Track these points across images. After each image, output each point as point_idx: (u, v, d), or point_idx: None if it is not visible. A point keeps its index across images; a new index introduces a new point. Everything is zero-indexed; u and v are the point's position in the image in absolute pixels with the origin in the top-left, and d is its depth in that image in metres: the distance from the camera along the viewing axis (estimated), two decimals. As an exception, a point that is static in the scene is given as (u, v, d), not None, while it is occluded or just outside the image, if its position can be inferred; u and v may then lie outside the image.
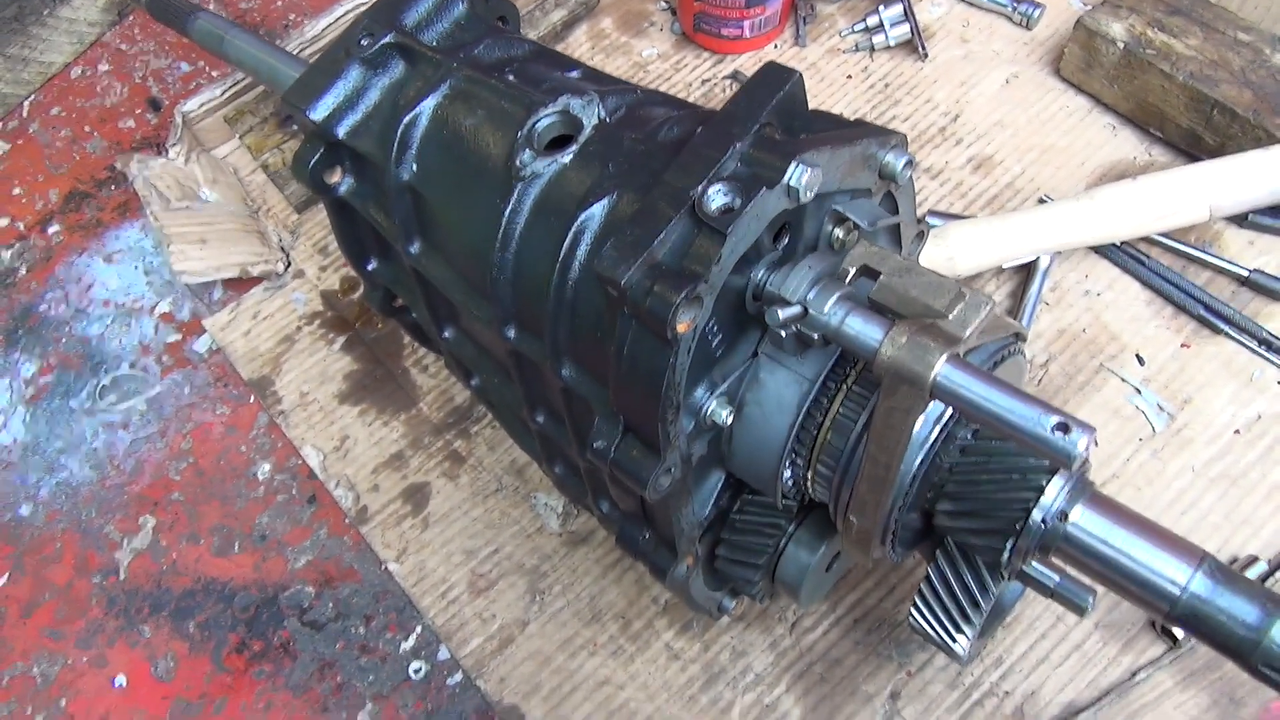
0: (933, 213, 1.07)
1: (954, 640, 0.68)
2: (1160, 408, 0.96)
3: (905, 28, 1.20)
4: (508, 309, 0.65)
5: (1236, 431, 0.94)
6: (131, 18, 1.44)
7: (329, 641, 0.97)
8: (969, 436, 0.61)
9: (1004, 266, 1.02)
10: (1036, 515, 0.58)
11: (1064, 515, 0.59)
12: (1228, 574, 0.56)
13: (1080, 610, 0.71)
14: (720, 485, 0.70)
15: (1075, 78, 1.14)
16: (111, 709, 0.95)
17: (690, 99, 1.23)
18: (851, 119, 0.65)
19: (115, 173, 1.28)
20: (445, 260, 0.71)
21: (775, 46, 1.25)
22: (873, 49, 1.21)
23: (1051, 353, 1.01)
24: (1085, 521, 0.58)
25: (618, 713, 0.89)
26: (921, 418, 0.59)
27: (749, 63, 1.24)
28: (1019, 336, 0.64)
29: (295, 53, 1.10)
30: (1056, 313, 1.03)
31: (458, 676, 0.93)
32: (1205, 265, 1.02)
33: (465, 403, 1.06)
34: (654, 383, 0.56)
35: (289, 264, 1.17)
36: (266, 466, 1.06)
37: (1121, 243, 1.03)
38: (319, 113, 0.72)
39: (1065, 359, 1.00)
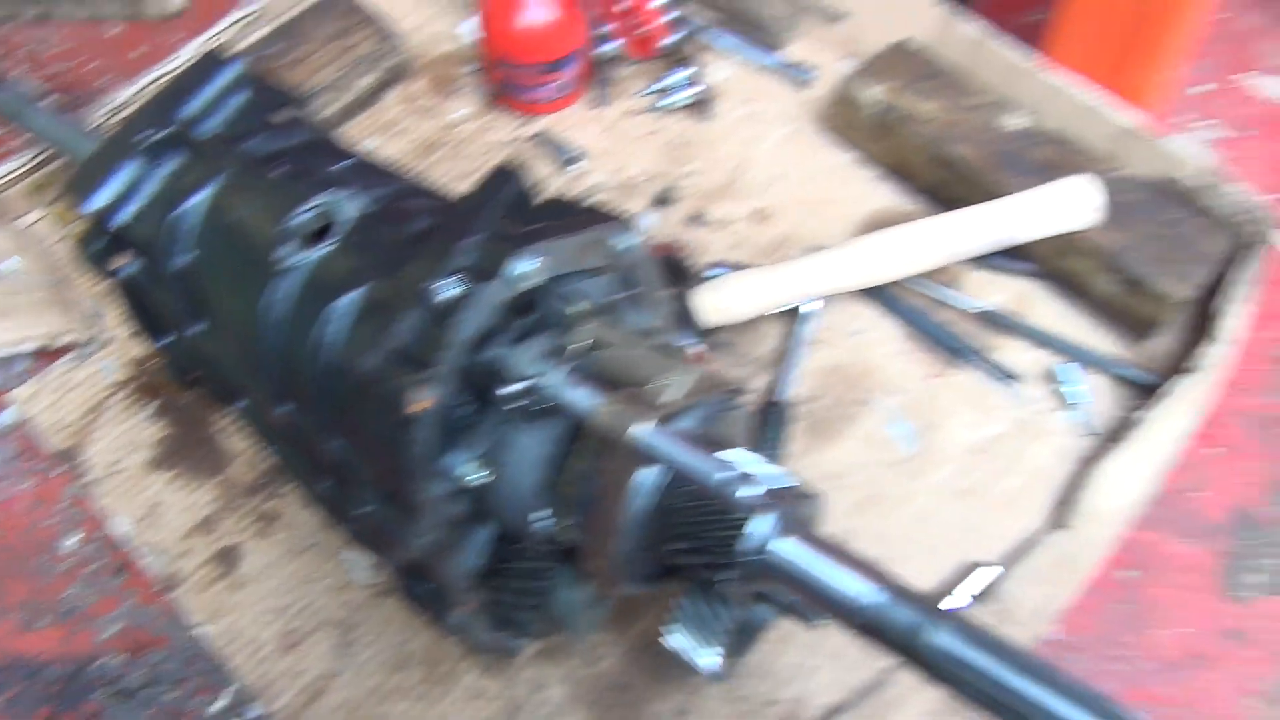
0: (715, 263, 1.17)
1: (702, 659, 0.76)
2: (910, 434, 1.08)
3: (694, 90, 1.30)
4: (278, 389, 0.70)
5: (974, 452, 1.07)
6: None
7: (138, 710, 0.98)
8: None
9: (776, 312, 1.12)
10: (740, 549, 0.67)
11: (768, 548, 0.67)
12: (899, 592, 0.66)
13: (808, 622, 0.80)
14: (490, 538, 0.77)
15: (843, 135, 1.26)
16: (-88, 795, 0.94)
17: (499, 158, 1.30)
18: (583, 206, 0.73)
19: (-89, 244, 1.26)
20: (225, 341, 0.76)
21: (578, 108, 1.33)
22: (664, 111, 1.31)
23: (821, 389, 1.11)
24: (785, 551, 0.67)
25: (425, 753, 0.94)
26: (650, 470, 0.67)
27: (554, 123, 1.31)
28: (735, 392, 0.73)
29: (103, 119, 1.12)
30: (825, 351, 1.14)
31: (270, 732, 0.97)
32: (948, 305, 1.14)
33: (276, 463, 1.09)
34: (399, 458, 0.62)
35: (98, 332, 1.17)
36: (75, 539, 1.07)
37: (883, 286, 1.14)
38: (95, 204, 0.76)
39: (832, 394, 1.11)
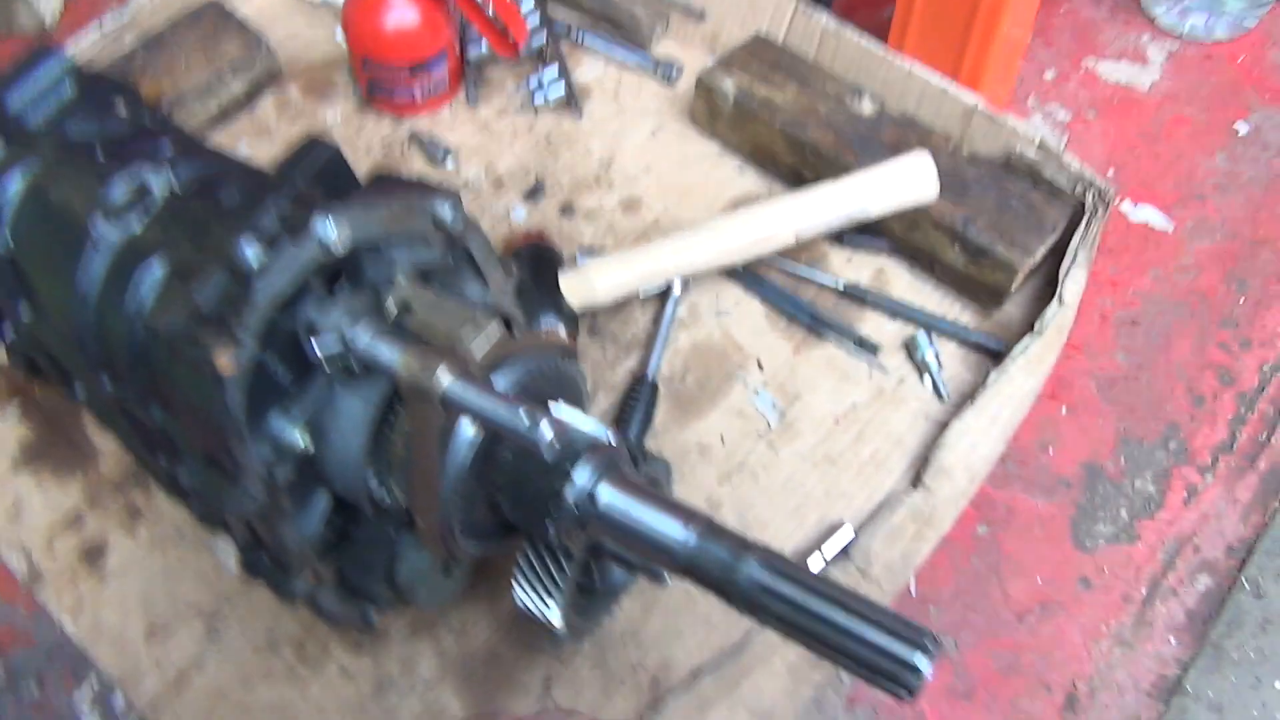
0: (582, 249, 1.20)
1: (548, 612, 0.78)
2: (774, 405, 1.11)
3: (562, 88, 1.33)
4: (99, 363, 0.71)
5: (836, 420, 1.10)
6: None
7: (1, 704, 0.97)
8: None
9: (641, 295, 1.15)
10: (568, 496, 0.69)
11: (591, 496, 0.69)
12: (715, 530, 0.68)
13: (660, 580, 0.82)
14: (326, 506, 0.78)
15: (705, 126, 1.30)
16: None
17: (372, 157, 1.32)
18: (412, 179, 0.76)
19: None
20: (52, 325, 0.76)
21: (451, 107, 1.35)
22: (536, 107, 1.34)
23: (688, 366, 1.14)
24: (608, 499, 0.69)
25: (292, 735, 0.94)
26: (469, 425, 0.69)
27: (427, 123, 1.34)
28: (565, 352, 0.76)
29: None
30: (692, 331, 1.17)
31: (133, 722, 0.96)
32: (811, 282, 1.18)
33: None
34: (210, 419, 0.63)
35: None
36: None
37: (744, 267, 1.18)
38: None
39: (699, 370, 1.14)
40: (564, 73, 1.33)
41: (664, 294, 1.16)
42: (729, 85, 1.23)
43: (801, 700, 0.94)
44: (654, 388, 1.10)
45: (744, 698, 0.94)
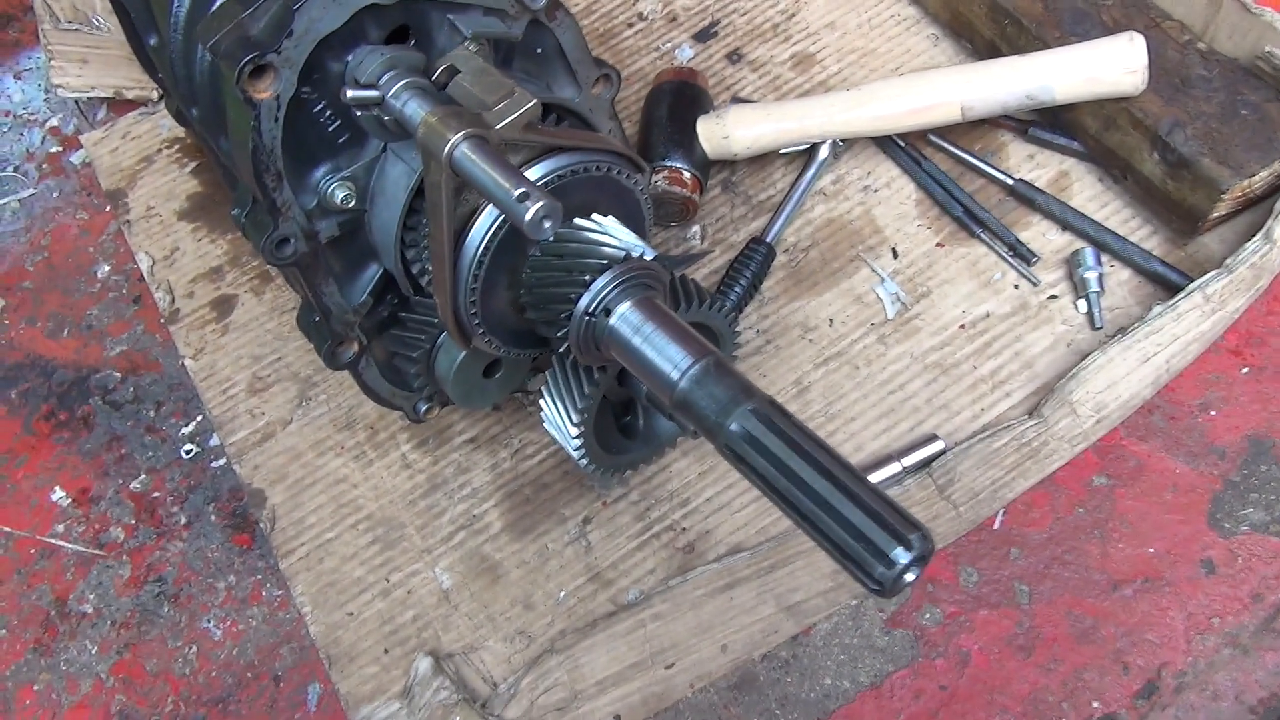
0: (735, 99, 1.12)
1: (567, 431, 0.76)
2: (898, 298, 1.00)
3: (764, -74, 1.22)
4: (186, 89, 0.74)
5: (961, 326, 0.98)
6: None
7: (123, 420, 1.08)
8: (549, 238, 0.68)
9: (786, 154, 1.07)
10: (581, 306, 0.65)
11: (608, 311, 0.65)
12: (721, 369, 0.62)
13: (688, 431, 0.77)
14: (377, 277, 0.78)
15: (908, -14, 1.16)
16: (-70, 455, 1.08)
17: (629, 35, 1.28)
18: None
19: (37, -1, 1.40)
20: (166, 53, 0.79)
21: (648, -64, 1.28)
22: (732, -56, 1.25)
23: (816, 239, 1.05)
24: (624, 317, 0.65)
25: (346, 506, 0.99)
26: (488, 209, 0.66)
27: (618, -51, 1.28)
28: (627, 164, 0.70)
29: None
30: (833, 203, 1.07)
31: (221, 461, 1.04)
32: (979, 172, 1.05)
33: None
34: (249, 148, 0.64)
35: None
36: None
37: (907, 144, 1.06)
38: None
39: (827, 246, 1.05)
40: (766, -91, 1.22)
41: (809, 155, 1.07)
42: (938, -63, 1.08)
43: (837, 606, 0.88)
44: (770, 251, 1.02)
45: (775, 587, 0.88)
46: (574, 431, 0.75)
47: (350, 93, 0.63)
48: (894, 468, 0.90)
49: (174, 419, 1.08)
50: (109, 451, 1.06)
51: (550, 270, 0.67)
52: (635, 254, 0.66)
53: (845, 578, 0.88)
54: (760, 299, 1.03)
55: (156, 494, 1.03)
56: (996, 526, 0.90)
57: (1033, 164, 1.05)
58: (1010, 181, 1.02)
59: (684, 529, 0.93)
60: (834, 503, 0.55)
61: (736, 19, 1.20)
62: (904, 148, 1.06)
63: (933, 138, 1.05)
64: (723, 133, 1.03)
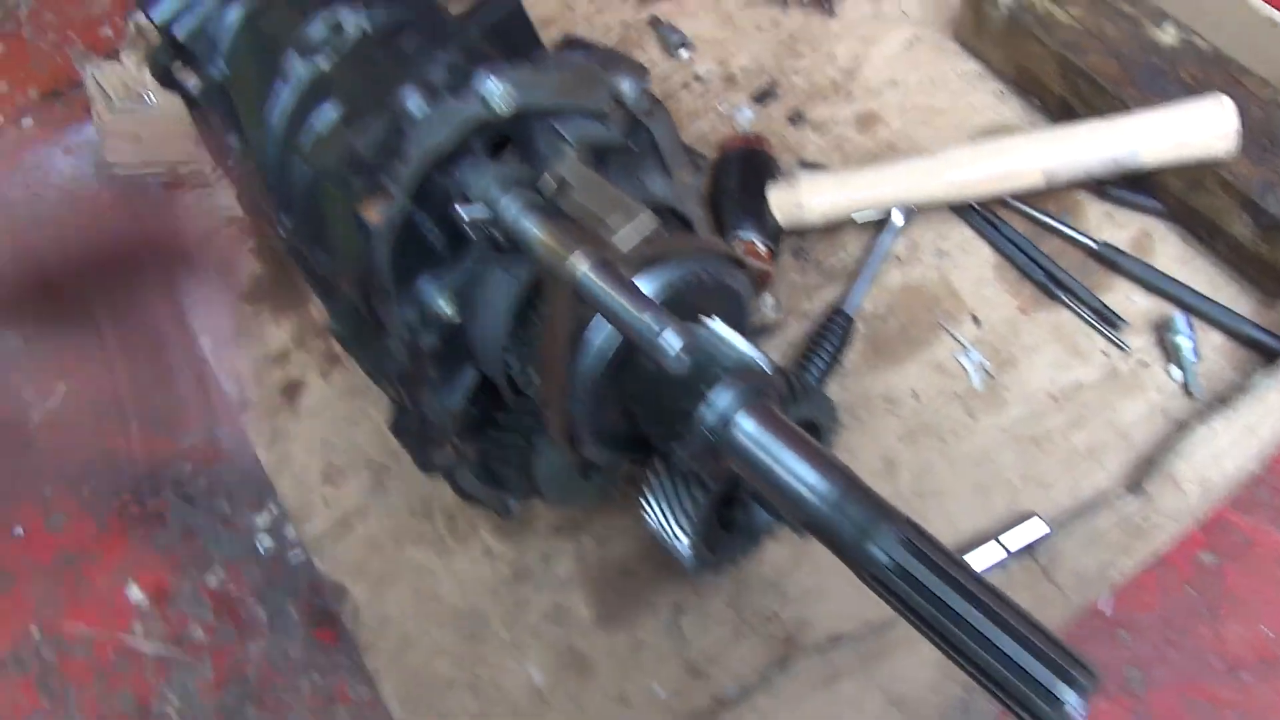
0: (803, 163, 1.10)
1: (676, 539, 0.74)
2: (982, 367, 0.98)
3: (819, -17, 1.22)
4: (280, 199, 0.73)
5: (1051, 396, 0.96)
6: None
7: (197, 513, 1.07)
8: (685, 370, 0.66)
9: (859, 221, 1.05)
10: (699, 420, 0.63)
11: (725, 423, 0.63)
12: (855, 487, 0.60)
13: (800, 531, 0.75)
14: (475, 383, 0.77)
15: (970, 42, 1.15)
16: (5, 554, 1.07)
17: (610, 40, 1.28)
18: (603, 46, 0.70)
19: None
20: (252, 157, 0.79)
21: (699, -5, 1.28)
22: (786, 3, 1.24)
23: (893, 307, 1.04)
24: (742, 429, 0.63)
25: (430, 599, 0.97)
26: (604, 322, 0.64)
27: (670, 9, 1.27)
28: (731, 262, 0.69)
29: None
30: (907, 269, 1.05)
31: (298, 553, 1.02)
32: (1057, 234, 1.03)
33: (349, 311, 1.14)
34: (358, 269, 0.63)
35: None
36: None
37: (980, 206, 1.04)
38: (160, 14, 0.80)
39: (905, 313, 1.03)
40: (821, -32, 1.21)
41: (881, 222, 1.05)
42: (1006, -6, 1.07)
43: (947, 698, 0.85)
44: (850, 323, 1.00)
45: (880, 679, 0.86)
46: (685, 540, 0.73)
47: (464, 212, 0.62)
48: (995, 550, 0.88)
49: (249, 511, 1.06)
50: (184, 546, 1.05)
51: (664, 381, 0.65)
52: (754, 363, 0.64)
53: (955, 670, 0.85)
54: (840, 371, 1.01)
55: (234, 590, 1.02)
56: (1104, 610, 0.88)
57: (1112, 224, 1.03)
58: (1094, 245, 1.00)
59: (781, 617, 0.91)
60: (993, 638, 0.53)
61: (796, 79, 1.19)
62: (978, 210, 1.05)
63: (1008, 199, 1.03)
64: (796, 201, 1.02)
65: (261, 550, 1.03)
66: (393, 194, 0.60)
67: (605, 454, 0.71)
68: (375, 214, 0.60)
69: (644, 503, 0.74)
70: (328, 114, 0.65)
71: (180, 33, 0.80)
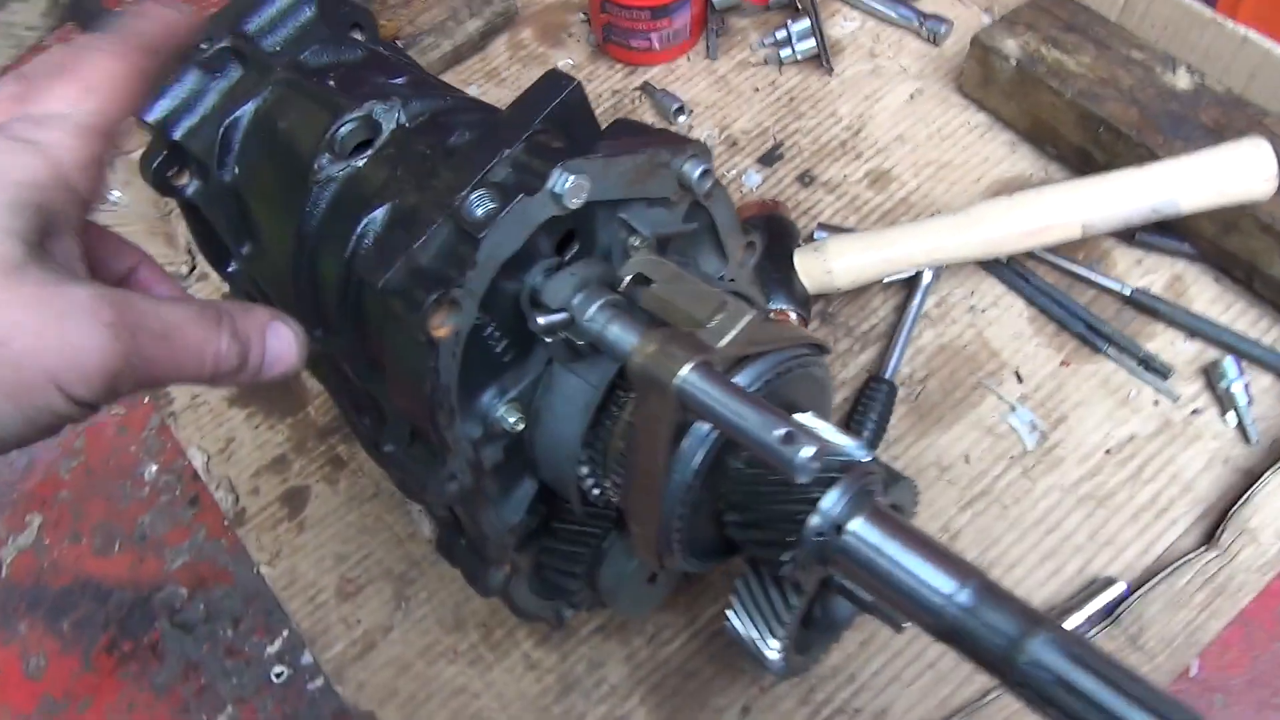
0: (821, 225, 1.07)
1: (766, 648, 0.68)
2: (1034, 426, 0.95)
3: (812, 42, 1.19)
4: (312, 311, 0.66)
5: (1108, 451, 0.93)
6: (70, 24, 1.46)
7: (197, 643, 0.97)
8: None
9: (885, 281, 1.02)
10: (811, 526, 0.58)
11: (839, 528, 0.58)
12: (993, 592, 0.55)
13: (896, 625, 0.70)
14: (533, 494, 0.70)
15: (976, 94, 1.13)
16: (-21, 705, 0.96)
17: (601, 109, 1.24)
18: (656, 128, 0.66)
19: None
20: (269, 263, 0.72)
21: (688, 59, 1.25)
22: (781, 63, 1.21)
23: (931, 368, 1.00)
24: (860, 534, 0.58)
25: (471, 720, 0.89)
26: (702, 426, 0.59)
27: (660, 75, 1.24)
28: (819, 348, 0.64)
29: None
30: (940, 328, 1.02)
31: (319, 681, 0.93)
32: (1090, 284, 1.01)
33: (351, 408, 1.06)
34: (420, 389, 0.56)
35: (194, 266, 1.18)
36: (154, 467, 1.07)
37: (1008, 259, 1.02)
38: (154, 114, 0.73)
39: (944, 374, 0.99)
40: (816, 25, 1.19)
41: (910, 281, 1.02)
42: (1012, 46, 1.05)
43: (1042, 781, 0.80)
44: (892, 389, 0.96)
45: (974, 768, 0.80)
46: (776, 645, 0.67)
47: (541, 320, 0.56)
48: (1080, 621, 0.84)
49: (256, 636, 0.97)
50: (186, 683, 0.95)
51: (764, 485, 0.60)
52: (858, 458, 0.59)
53: (1049, 751, 0.80)
54: (886, 440, 0.96)
55: (249, 728, 0.92)
56: (1194, 673, 0.84)
57: (1142, 269, 1.02)
58: (1127, 292, 0.98)
59: (856, 709, 0.85)
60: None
61: (800, 139, 1.16)
62: (1006, 264, 1.02)
63: (1037, 251, 1.01)
64: (824, 267, 0.98)
65: (275, 680, 0.94)
66: (463, 306, 0.54)
67: (692, 562, 0.65)
68: (444, 329, 0.53)
69: (731, 613, 0.68)
70: (375, 219, 0.59)
71: (178, 133, 0.73)
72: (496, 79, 1.27)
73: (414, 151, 0.62)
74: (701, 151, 0.64)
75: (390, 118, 0.64)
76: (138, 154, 1.25)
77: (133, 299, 0.44)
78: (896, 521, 0.58)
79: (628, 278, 0.58)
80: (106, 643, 0.98)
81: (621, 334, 0.55)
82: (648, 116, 1.21)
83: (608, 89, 1.25)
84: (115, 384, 0.42)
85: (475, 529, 0.67)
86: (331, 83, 0.69)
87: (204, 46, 0.72)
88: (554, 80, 0.59)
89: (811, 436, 0.49)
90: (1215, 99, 0.99)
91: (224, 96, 0.72)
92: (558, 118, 0.59)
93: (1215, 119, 0.97)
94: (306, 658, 0.94)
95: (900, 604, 0.57)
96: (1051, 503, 0.92)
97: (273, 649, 0.95)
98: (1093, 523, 0.90)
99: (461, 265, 0.54)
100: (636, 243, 0.63)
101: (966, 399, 0.98)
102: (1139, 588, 0.85)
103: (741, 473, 0.61)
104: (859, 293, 1.04)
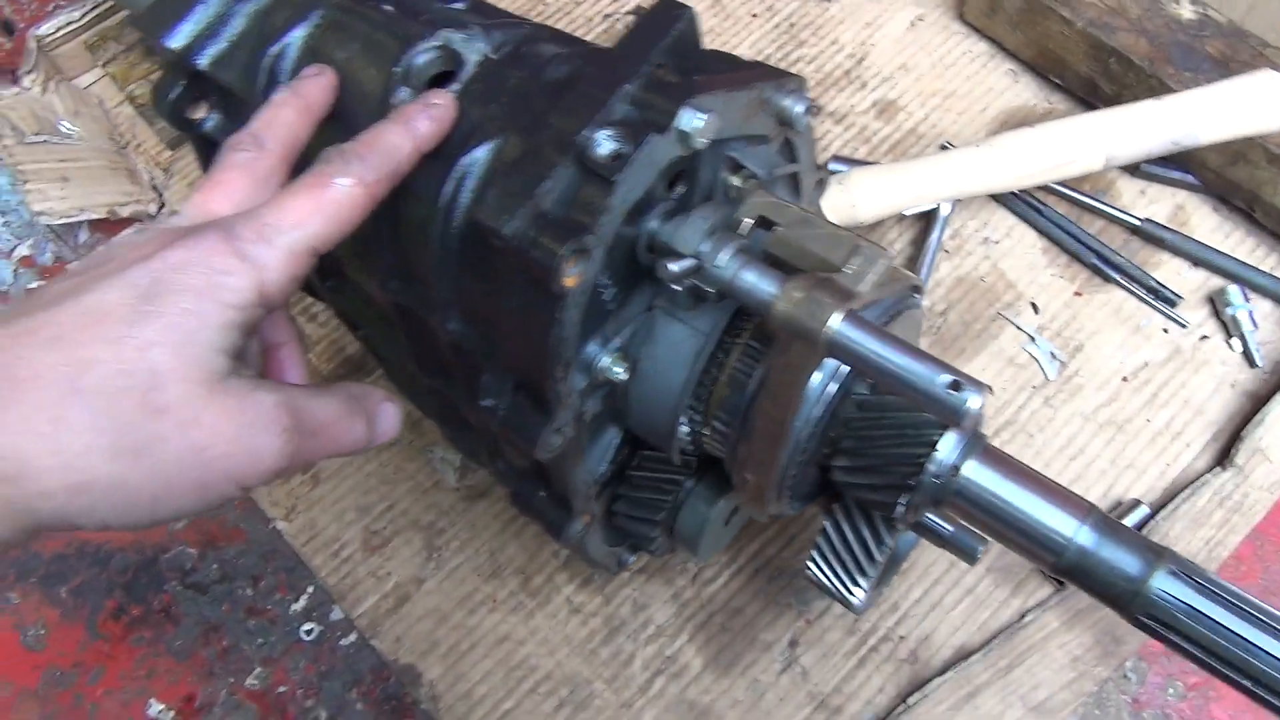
0: (836, 158, 1.06)
1: (851, 592, 0.68)
2: (1053, 355, 0.97)
3: (812, -34, 1.16)
4: (388, 260, 0.61)
5: (1124, 379, 0.96)
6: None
7: (214, 604, 0.92)
8: (865, 392, 0.60)
9: (905, 214, 1.02)
10: (930, 470, 0.58)
11: (956, 470, 0.58)
12: (1112, 526, 0.57)
13: (971, 558, 0.71)
14: (617, 442, 0.68)
15: (979, 22, 1.13)
16: (-23, 682, 0.89)
17: (590, 36, 1.19)
18: (749, 59, 0.63)
19: (-35, 103, 1.17)
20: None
21: (681, -18, 1.20)
22: (779, -13, 1.18)
23: (950, 301, 1.01)
24: (976, 476, 0.58)
25: (518, 668, 0.88)
26: (818, 373, 0.58)
27: (653, -2, 1.19)
28: (916, 289, 0.63)
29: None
30: (955, 260, 1.03)
31: (352, 637, 0.90)
32: (1099, 214, 1.03)
33: (358, 353, 1.01)
34: (543, 339, 0.53)
35: (163, 204, 1.09)
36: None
37: (1020, 191, 1.03)
38: (177, 40, 0.66)
39: (963, 307, 1.01)
40: (817, -51, 1.16)
41: (927, 214, 1.02)
42: (1023, -26, 1.05)
43: (1083, 696, 0.84)
44: (916, 324, 0.97)
45: (1018, 686, 0.84)
46: (863, 585, 0.68)
47: (674, 267, 0.53)
48: (1110, 541, 0.88)
49: (279, 594, 0.93)
50: (207, 646, 0.91)
51: (878, 429, 0.59)
52: (969, 405, 0.59)
53: (1086, 665, 0.85)
54: (911, 372, 0.98)
55: (282, 688, 0.89)
56: (1212, 584, 0.89)
57: (1146, 200, 1.04)
58: (1136, 222, 1.01)
59: (901, 637, 0.88)
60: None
61: (804, 68, 1.14)
62: (1018, 195, 1.03)
63: (1051, 183, 1.03)
64: (850, 201, 0.97)
65: (305, 638, 0.91)
66: (592, 254, 0.51)
67: (793, 506, 0.65)
68: (573, 278, 0.51)
69: (814, 557, 0.69)
70: (477, 161, 0.55)
71: (203, 61, 0.66)
72: None
73: (505, 87, 0.57)
74: (801, 86, 0.62)
75: (472, 48, 0.59)
76: (85, 83, 1.16)
77: (298, 400, 0.48)
78: (1012, 461, 0.59)
79: (748, 220, 0.56)
80: (114, 608, 0.92)
81: (757, 281, 0.53)
82: (646, 43, 1.17)
83: (598, 12, 1.20)
84: (279, 477, 0.48)
85: (563, 481, 0.65)
86: (388, 7, 0.64)
87: (227, -38, 0.65)
88: (668, 9, 0.55)
89: (975, 383, 0.48)
90: (1219, 30, 1.01)
91: (256, 20, 0.66)
92: (671, 50, 0.55)
93: (1220, 50, 1.00)
94: (336, 614, 0.91)
95: (1018, 543, 0.58)
96: (1074, 430, 0.95)
97: (298, 606, 0.92)
98: (1114, 448, 0.94)
99: (592, 210, 0.51)
100: (738, 182, 0.60)
101: (986, 330, 1.00)
102: (1160, 509, 0.90)
103: (855, 419, 0.60)
104: (874, 227, 1.04)
